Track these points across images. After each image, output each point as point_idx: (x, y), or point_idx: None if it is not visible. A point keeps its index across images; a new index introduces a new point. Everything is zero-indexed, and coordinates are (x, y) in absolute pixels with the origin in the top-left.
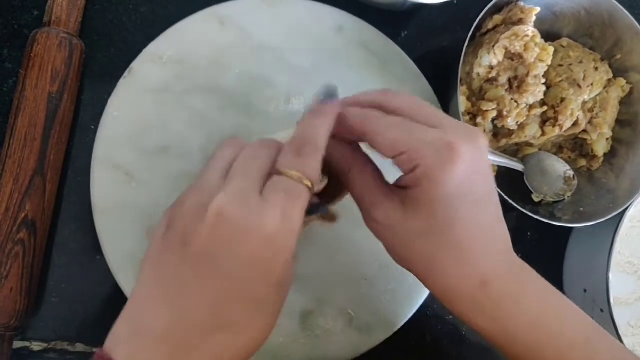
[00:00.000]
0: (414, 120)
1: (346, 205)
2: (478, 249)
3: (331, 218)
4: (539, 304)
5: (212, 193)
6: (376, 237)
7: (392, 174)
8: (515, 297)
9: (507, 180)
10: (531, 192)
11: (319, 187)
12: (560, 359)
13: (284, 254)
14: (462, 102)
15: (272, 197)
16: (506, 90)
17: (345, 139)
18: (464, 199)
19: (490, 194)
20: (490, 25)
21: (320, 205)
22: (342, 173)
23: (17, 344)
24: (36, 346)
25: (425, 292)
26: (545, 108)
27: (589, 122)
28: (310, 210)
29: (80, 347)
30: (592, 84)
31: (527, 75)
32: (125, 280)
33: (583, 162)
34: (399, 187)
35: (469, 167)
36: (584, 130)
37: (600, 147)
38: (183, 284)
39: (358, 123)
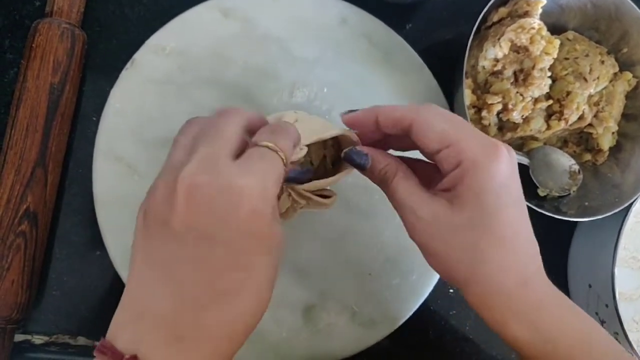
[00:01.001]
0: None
1: (352, 200)
2: (520, 246)
3: (322, 204)
4: (578, 318)
5: (179, 169)
6: (418, 244)
7: None
8: (555, 302)
9: None
10: (536, 187)
11: (293, 164)
12: None
13: (263, 213)
14: (467, 96)
15: (245, 162)
16: (511, 83)
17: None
18: (508, 195)
19: (523, 198)
20: (495, 18)
21: (304, 173)
22: (384, 181)
23: (19, 337)
24: (37, 339)
25: (429, 288)
26: (550, 102)
27: (595, 116)
28: (291, 178)
29: (81, 340)
30: (598, 78)
31: (533, 68)
32: (126, 273)
33: (588, 157)
34: (441, 190)
35: (510, 167)
36: (590, 124)
37: (606, 141)
38: (174, 262)
39: (407, 114)
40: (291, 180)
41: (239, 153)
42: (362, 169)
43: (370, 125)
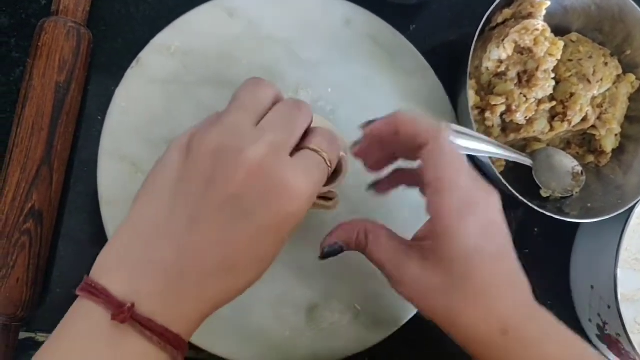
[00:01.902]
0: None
1: (355, 201)
2: (496, 300)
3: (327, 207)
4: (560, 349)
5: (245, 139)
6: (402, 296)
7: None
8: (537, 343)
9: (515, 176)
10: (539, 188)
11: None
12: None
13: (301, 215)
14: (471, 97)
15: (304, 164)
16: (515, 84)
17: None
18: (482, 253)
19: (506, 245)
20: (499, 19)
21: None
22: (362, 245)
23: (22, 335)
24: (41, 337)
25: None
26: (554, 103)
27: (598, 118)
28: None
29: None
30: (601, 79)
31: (537, 69)
32: None
33: (591, 158)
34: (418, 239)
35: (485, 219)
36: (593, 126)
37: (609, 143)
38: (199, 221)
39: (428, 133)
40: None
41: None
42: (341, 252)
43: (386, 136)
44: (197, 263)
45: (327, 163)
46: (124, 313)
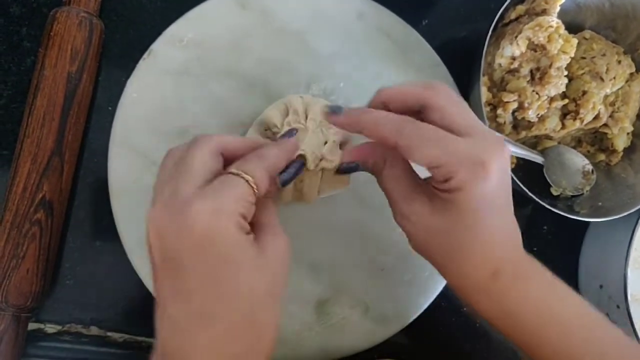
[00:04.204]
0: (448, 125)
1: (366, 196)
2: (495, 247)
3: (343, 182)
4: (543, 291)
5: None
6: (402, 229)
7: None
8: (522, 284)
9: (526, 173)
10: (549, 186)
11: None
12: (562, 340)
13: (218, 230)
14: (483, 93)
15: (203, 189)
16: (528, 81)
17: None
18: (490, 209)
19: (509, 200)
20: (513, 16)
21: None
22: (375, 173)
23: (32, 326)
24: (50, 328)
25: (441, 284)
26: (566, 101)
27: (610, 116)
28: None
29: (94, 330)
30: (614, 78)
31: (550, 66)
32: (140, 264)
33: (602, 157)
34: (432, 181)
35: (498, 182)
36: (605, 125)
37: (621, 142)
38: (163, 293)
39: (392, 137)
40: (288, 180)
41: (213, 178)
42: (357, 170)
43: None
44: (173, 325)
45: (236, 175)
46: None
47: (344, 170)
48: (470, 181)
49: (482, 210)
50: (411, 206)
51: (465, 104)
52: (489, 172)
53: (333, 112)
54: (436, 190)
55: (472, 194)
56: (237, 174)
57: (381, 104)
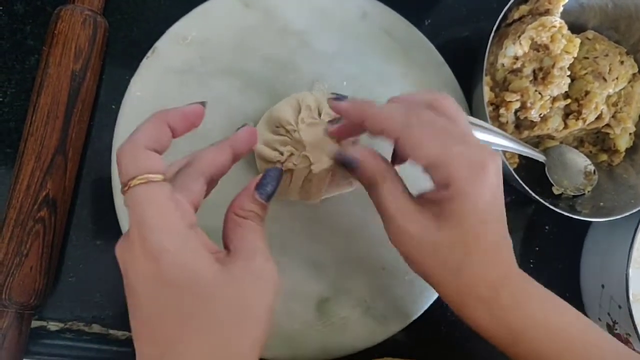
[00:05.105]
0: (449, 130)
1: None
2: (497, 257)
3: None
4: (544, 307)
5: None
6: (400, 252)
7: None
8: (525, 301)
9: (528, 173)
10: (551, 186)
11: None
12: (564, 356)
13: (166, 250)
14: (486, 93)
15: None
16: (530, 81)
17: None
18: (491, 214)
19: (504, 210)
20: (516, 16)
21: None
22: (372, 185)
23: (35, 324)
24: (53, 326)
25: None
26: (568, 101)
27: (613, 117)
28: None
29: (96, 328)
30: (617, 78)
31: (553, 66)
32: None
33: (604, 157)
34: (427, 196)
35: (495, 184)
36: (607, 125)
37: (623, 142)
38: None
39: (395, 130)
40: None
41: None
42: (351, 168)
43: (356, 123)
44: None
45: (142, 182)
46: None
47: (340, 161)
48: (471, 183)
49: (484, 217)
50: (412, 222)
51: (464, 115)
52: (487, 175)
53: (337, 98)
54: (435, 201)
55: (475, 196)
56: (149, 181)
57: (360, 119)
